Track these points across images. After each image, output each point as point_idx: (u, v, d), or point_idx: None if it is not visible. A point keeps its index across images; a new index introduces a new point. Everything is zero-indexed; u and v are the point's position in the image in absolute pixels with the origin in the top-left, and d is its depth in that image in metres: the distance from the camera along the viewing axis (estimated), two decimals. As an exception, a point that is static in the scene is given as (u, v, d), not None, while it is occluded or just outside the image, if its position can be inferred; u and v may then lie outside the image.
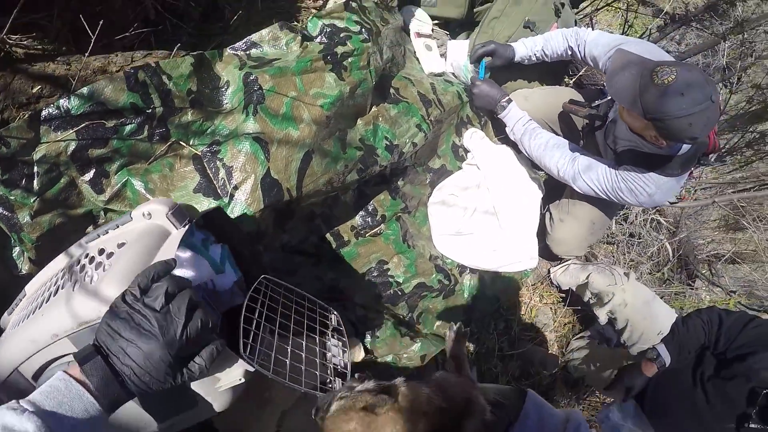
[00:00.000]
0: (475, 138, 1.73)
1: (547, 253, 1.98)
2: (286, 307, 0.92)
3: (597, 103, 1.70)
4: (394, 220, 1.52)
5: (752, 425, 1.45)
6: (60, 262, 0.89)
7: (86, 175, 1.11)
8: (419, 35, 1.75)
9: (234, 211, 1.15)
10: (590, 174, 1.65)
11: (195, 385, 0.74)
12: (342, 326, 1.01)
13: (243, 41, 1.30)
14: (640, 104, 1.32)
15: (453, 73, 1.85)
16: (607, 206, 1.81)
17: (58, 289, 0.78)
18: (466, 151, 1.75)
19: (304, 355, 0.86)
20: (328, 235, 1.44)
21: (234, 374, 0.72)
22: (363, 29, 1.37)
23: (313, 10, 1.67)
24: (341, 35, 1.34)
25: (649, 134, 1.43)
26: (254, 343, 0.76)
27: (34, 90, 1.19)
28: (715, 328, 1.61)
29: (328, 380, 0.89)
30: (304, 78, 1.25)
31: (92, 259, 0.80)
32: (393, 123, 1.44)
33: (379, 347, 1.49)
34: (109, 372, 0.59)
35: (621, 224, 2.34)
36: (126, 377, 0.60)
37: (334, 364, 0.93)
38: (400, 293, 1.50)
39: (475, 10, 1.90)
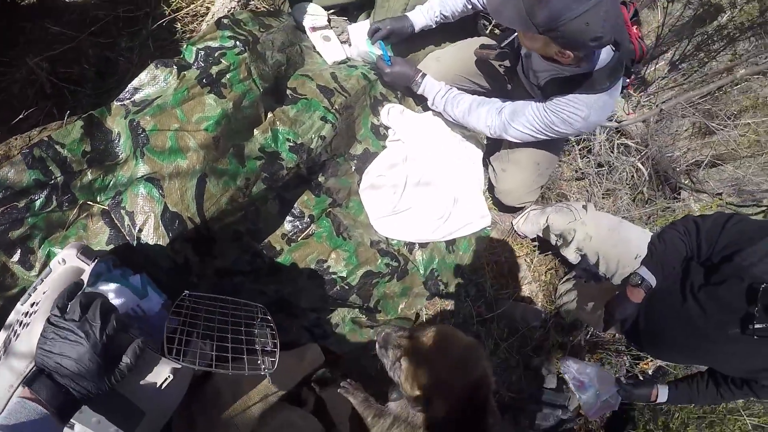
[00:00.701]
0: (393, 113, 1.75)
1: (505, 206, 1.97)
2: (212, 313, 1.12)
3: (506, 41, 1.69)
4: (324, 216, 1.57)
5: (758, 325, 1.40)
6: (4, 331, 1.01)
7: (14, 256, 1.22)
8: (314, 29, 1.80)
9: (142, 250, 1.22)
10: (519, 119, 1.65)
11: (139, 396, 0.89)
12: (268, 315, 1.21)
13: (126, 90, 1.38)
14: (530, 22, 1.32)
15: (361, 57, 1.88)
16: (549, 144, 1.80)
17: (6, 350, 0.91)
18: (387, 128, 1.77)
19: (230, 346, 1.07)
20: (260, 248, 1.50)
21: (164, 372, 0.90)
22: (237, 42, 1.43)
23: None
24: (216, 54, 1.40)
25: (554, 51, 1.42)
26: (180, 346, 0.95)
27: (-51, 191, 1.31)
28: (694, 236, 1.56)
29: (258, 360, 1.09)
30: (184, 107, 1.32)
31: (26, 313, 0.96)
32: (293, 123, 1.49)
33: (341, 345, 1.54)
34: (53, 386, 0.72)
35: (587, 157, 2.30)
36: (69, 387, 0.73)
37: (262, 347, 1.12)
38: (347, 287, 1.55)
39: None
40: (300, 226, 1.55)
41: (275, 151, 1.46)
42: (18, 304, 1.02)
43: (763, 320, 1.39)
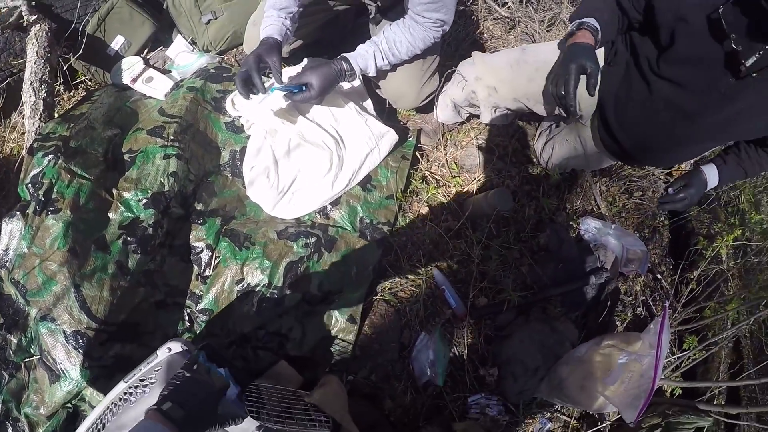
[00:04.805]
0: (237, 100, 1.84)
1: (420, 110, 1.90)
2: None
3: None
4: (221, 238, 1.70)
5: (749, 60, 1.21)
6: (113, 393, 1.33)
7: (8, 430, 1.57)
8: (134, 80, 1.96)
9: (71, 376, 1.48)
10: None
11: None
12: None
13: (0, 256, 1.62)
14: None
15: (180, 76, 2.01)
16: None
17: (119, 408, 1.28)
18: (239, 118, 1.85)
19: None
20: (187, 303, 1.67)
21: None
22: (47, 155, 1.62)
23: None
24: (39, 179, 1.61)
25: None
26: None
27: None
28: None
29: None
30: (36, 242, 1.57)
31: (137, 386, 1.30)
32: (138, 182, 1.67)
33: (302, 346, 1.65)
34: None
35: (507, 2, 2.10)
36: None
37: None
38: (276, 291, 1.65)
39: (165, 8, 2.08)
40: (205, 260, 1.70)
41: (134, 218, 1.61)
42: (121, 382, 1.32)
43: (750, 50, 1.20)
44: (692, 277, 2.04)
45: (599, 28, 1.40)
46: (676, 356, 1.98)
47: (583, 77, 1.35)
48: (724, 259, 2.20)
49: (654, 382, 1.46)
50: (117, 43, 2.08)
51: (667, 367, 1.96)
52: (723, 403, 2.15)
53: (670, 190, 1.57)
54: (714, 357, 2.18)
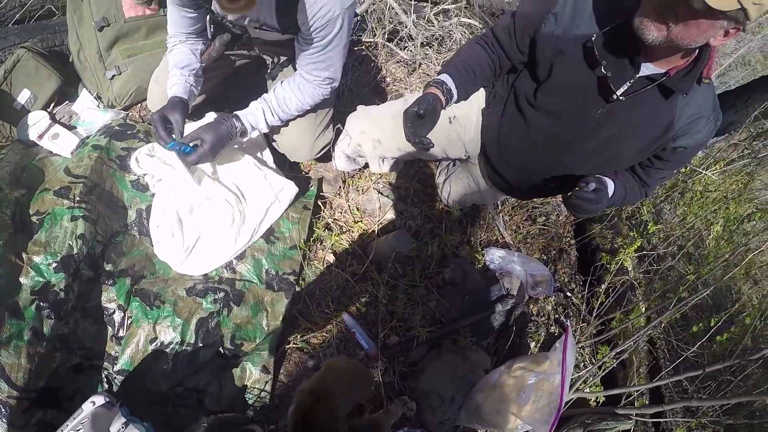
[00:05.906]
0: (141, 158, 1.91)
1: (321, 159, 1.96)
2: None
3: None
4: (132, 298, 1.76)
5: (620, 89, 1.31)
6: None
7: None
8: (41, 136, 1.98)
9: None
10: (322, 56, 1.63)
11: None
12: None
13: None
14: None
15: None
16: None
17: None
18: (144, 176, 1.90)
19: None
20: (105, 364, 1.71)
21: None
22: (-51, 226, 1.61)
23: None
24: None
25: None
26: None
27: None
28: (491, 36, 1.52)
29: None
30: None
31: None
32: (47, 246, 1.71)
33: (220, 400, 1.73)
34: None
35: (407, 45, 2.13)
36: None
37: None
38: (189, 348, 1.72)
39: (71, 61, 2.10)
40: (118, 320, 1.76)
41: (45, 283, 1.64)
42: None
43: (619, 75, 1.30)
44: (600, 290, 2.17)
45: (445, 82, 1.46)
46: (595, 366, 2.10)
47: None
48: (630, 269, 2.34)
49: (562, 397, 1.58)
50: (23, 96, 2.10)
51: (584, 379, 2.08)
52: (647, 402, 2.31)
53: (591, 185, 1.40)
54: (631, 362, 2.33)
